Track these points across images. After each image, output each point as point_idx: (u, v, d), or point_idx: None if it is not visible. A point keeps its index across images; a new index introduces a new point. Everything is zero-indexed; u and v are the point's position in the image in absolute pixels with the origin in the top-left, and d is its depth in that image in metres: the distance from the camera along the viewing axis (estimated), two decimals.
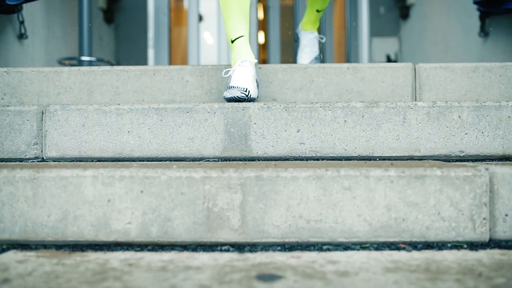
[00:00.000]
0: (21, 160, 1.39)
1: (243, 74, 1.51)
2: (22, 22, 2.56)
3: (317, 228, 0.95)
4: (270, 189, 0.95)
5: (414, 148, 1.32)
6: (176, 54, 5.02)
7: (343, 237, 0.95)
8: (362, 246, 0.95)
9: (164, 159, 1.37)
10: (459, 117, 1.32)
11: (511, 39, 2.55)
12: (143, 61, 4.58)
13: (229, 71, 1.56)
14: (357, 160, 1.34)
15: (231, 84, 1.49)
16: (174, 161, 1.36)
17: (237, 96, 1.44)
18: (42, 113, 1.39)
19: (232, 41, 1.57)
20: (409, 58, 4.26)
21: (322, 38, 2.10)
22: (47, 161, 1.38)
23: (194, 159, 1.36)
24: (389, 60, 4.52)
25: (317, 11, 1.99)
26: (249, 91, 1.46)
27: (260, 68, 1.67)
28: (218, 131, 1.35)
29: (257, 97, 1.55)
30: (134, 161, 1.37)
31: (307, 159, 1.35)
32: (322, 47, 2.21)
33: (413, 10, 4.20)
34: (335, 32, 5.38)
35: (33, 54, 2.78)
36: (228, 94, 1.46)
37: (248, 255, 0.89)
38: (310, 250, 0.93)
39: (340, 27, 5.36)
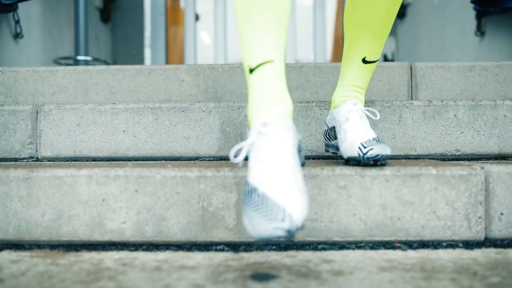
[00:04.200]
0: (15, 159, 1.38)
1: (276, 166, 0.72)
2: (17, 21, 2.55)
3: (312, 227, 0.95)
4: None
5: (410, 147, 1.32)
6: (173, 53, 5.01)
7: (339, 236, 0.95)
8: (358, 245, 0.95)
9: (159, 159, 1.36)
10: (455, 116, 1.32)
11: (508, 38, 2.55)
12: (139, 60, 4.57)
13: (240, 150, 0.93)
14: None
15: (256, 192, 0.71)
16: (170, 160, 1.36)
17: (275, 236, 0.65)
18: (37, 112, 1.38)
19: (251, 70, 0.80)
20: (406, 57, 4.26)
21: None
22: (42, 161, 1.37)
23: (189, 159, 1.36)
24: (385, 59, 4.52)
25: (365, 61, 1.07)
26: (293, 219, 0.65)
27: None
28: (213, 130, 1.35)
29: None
30: (129, 160, 1.36)
31: None
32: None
33: (409, 10, 4.20)
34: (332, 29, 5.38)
35: (28, 53, 2.77)
36: (252, 229, 0.67)
37: (243, 254, 0.89)
38: (305, 249, 0.92)
39: (338, 25, 5.37)
